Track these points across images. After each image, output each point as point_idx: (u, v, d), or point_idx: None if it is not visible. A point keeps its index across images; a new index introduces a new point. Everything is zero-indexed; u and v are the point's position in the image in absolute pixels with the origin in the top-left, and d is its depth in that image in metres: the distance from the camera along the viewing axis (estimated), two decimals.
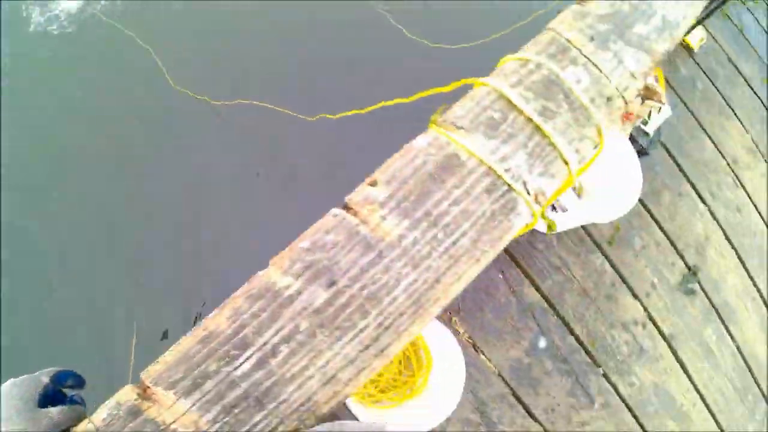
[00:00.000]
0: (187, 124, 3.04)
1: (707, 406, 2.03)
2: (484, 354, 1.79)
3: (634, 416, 1.91)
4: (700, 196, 2.16)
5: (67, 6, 3.42)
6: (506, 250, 1.87)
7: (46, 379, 0.70)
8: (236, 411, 0.60)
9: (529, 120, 0.70)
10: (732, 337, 2.11)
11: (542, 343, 1.86)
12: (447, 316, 1.78)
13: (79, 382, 0.75)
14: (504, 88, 0.71)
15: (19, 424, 0.64)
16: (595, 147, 0.75)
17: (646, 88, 1.84)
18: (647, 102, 1.86)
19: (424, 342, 1.61)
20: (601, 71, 0.79)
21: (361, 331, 0.62)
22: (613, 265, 1.99)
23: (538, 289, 1.88)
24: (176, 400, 0.58)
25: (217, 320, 0.62)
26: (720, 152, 2.24)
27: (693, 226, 2.12)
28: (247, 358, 0.61)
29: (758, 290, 2.18)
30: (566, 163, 0.70)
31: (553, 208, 1.72)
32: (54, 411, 0.66)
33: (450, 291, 0.63)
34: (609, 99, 0.77)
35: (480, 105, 0.71)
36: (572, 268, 1.93)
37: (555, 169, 0.69)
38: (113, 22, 3.29)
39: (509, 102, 0.71)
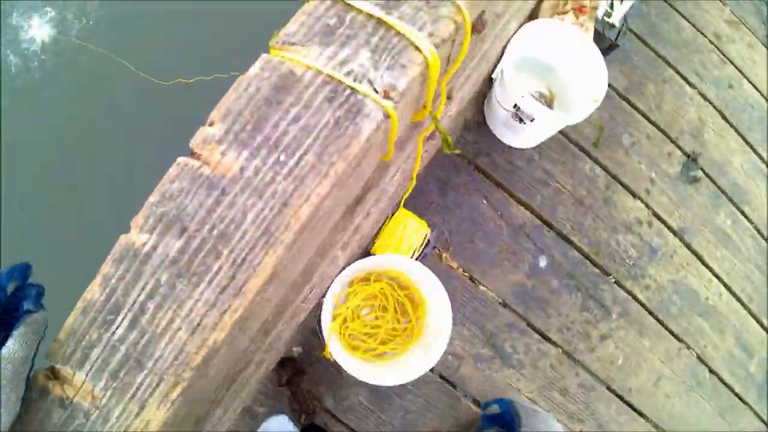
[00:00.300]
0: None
1: (735, 295, 1.91)
2: (483, 285, 1.71)
3: (657, 320, 1.81)
4: (685, 80, 2.02)
5: (39, 39, 3.40)
6: (485, 174, 1.78)
7: None
8: (121, 374, 0.60)
9: (370, 16, 0.63)
10: (748, 219, 1.98)
11: (542, 262, 1.77)
12: (437, 253, 1.71)
13: (22, 272, 0.61)
14: None
15: None
16: (456, 24, 0.67)
17: None
18: None
19: (413, 285, 1.54)
20: None
21: (217, 273, 0.61)
22: (604, 168, 1.88)
23: (527, 207, 1.78)
24: (74, 374, 0.58)
25: (92, 289, 0.61)
26: (699, 31, 2.10)
27: (684, 111, 1.99)
28: (121, 321, 0.61)
29: (767, 164, 2.04)
30: (418, 49, 0.62)
31: (521, 120, 1.61)
32: (9, 348, 0.55)
33: (300, 213, 0.59)
34: None
35: (313, 16, 0.65)
36: (560, 178, 1.83)
37: (406, 59, 0.62)
38: (88, 44, 3.27)
39: (345, 4, 0.64)
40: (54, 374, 0.59)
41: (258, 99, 0.61)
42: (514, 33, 1.52)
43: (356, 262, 1.39)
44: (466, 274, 1.71)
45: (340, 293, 1.50)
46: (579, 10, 1.70)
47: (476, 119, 1.84)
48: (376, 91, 0.60)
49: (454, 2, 0.63)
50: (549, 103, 1.80)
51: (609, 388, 1.71)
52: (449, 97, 1.07)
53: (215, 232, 0.59)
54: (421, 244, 1.66)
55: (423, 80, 0.65)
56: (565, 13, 1.69)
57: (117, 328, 0.60)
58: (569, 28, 1.62)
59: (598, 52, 1.62)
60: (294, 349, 1.60)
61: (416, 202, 1.73)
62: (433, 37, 0.62)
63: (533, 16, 1.71)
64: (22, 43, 3.39)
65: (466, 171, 1.78)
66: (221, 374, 0.75)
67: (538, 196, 1.80)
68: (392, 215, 1.66)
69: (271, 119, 0.61)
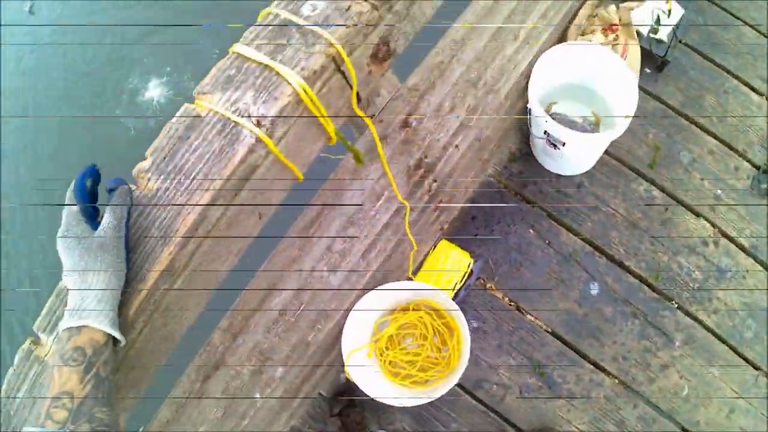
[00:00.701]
0: None
1: None
2: (530, 314, 1.70)
3: (729, 346, 1.68)
4: (751, 87, 1.90)
5: (155, 100, 3.74)
6: (532, 203, 1.78)
7: (75, 208, 0.73)
8: None
9: (259, 63, 0.82)
10: None
11: (595, 289, 1.72)
12: (481, 283, 1.72)
13: (92, 171, 0.76)
14: (239, 47, 0.84)
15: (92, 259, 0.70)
16: (331, 56, 0.85)
17: None
18: (625, 5, 1.70)
19: (447, 314, 1.57)
20: None
21: (133, 264, 0.79)
22: (662, 189, 1.80)
23: (576, 234, 1.75)
24: (47, 340, 0.79)
25: (63, 281, 0.78)
26: (764, 35, 1.96)
27: (751, 121, 1.86)
28: None
29: None
30: (288, 82, 0.81)
31: (555, 146, 1.61)
32: (104, 221, 0.72)
33: (188, 219, 0.78)
34: (347, 9, 0.87)
35: (221, 69, 0.84)
36: (612, 202, 1.78)
37: (278, 92, 0.81)
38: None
39: (244, 56, 0.83)
40: (37, 341, 0.80)
41: (174, 137, 0.82)
42: (534, 57, 1.53)
43: (376, 288, 1.46)
44: (513, 304, 1.71)
45: (381, 319, 1.58)
46: (609, 29, 1.67)
47: (522, 150, 1.85)
48: (252, 122, 0.75)
49: (327, 39, 0.75)
50: (596, 127, 1.77)
51: (673, 421, 1.61)
52: (406, 125, 1.16)
53: (137, 235, 0.80)
54: (464, 275, 1.68)
55: (299, 107, 0.83)
56: (592, 33, 1.67)
57: None
58: (597, 48, 1.60)
59: (627, 67, 1.59)
60: (343, 375, 1.67)
61: (461, 234, 1.76)
62: (304, 71, 0.79)
63: (563, 38, 1.71)
64: (139, 104, 3.74)
65: (512, 201, 1.79)
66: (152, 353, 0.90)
67: (588, 223, 1.76)
68: (434, 247, 1.71)
69: (180, 152, 0.81)
